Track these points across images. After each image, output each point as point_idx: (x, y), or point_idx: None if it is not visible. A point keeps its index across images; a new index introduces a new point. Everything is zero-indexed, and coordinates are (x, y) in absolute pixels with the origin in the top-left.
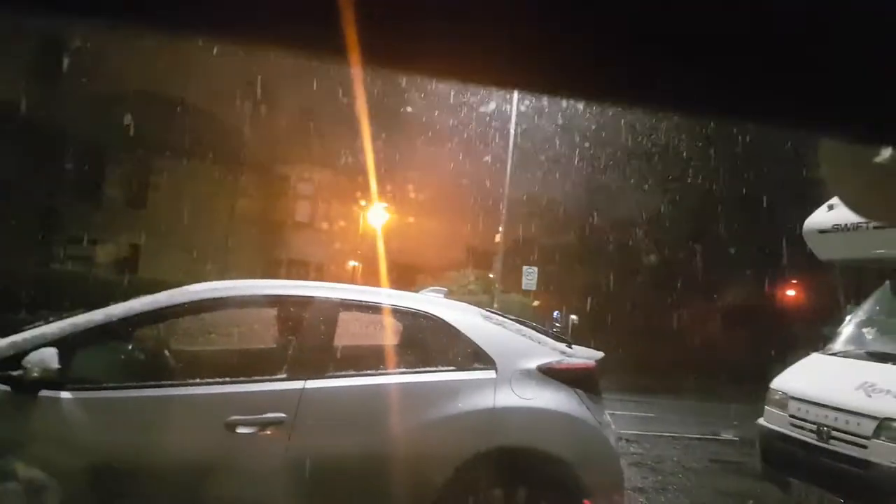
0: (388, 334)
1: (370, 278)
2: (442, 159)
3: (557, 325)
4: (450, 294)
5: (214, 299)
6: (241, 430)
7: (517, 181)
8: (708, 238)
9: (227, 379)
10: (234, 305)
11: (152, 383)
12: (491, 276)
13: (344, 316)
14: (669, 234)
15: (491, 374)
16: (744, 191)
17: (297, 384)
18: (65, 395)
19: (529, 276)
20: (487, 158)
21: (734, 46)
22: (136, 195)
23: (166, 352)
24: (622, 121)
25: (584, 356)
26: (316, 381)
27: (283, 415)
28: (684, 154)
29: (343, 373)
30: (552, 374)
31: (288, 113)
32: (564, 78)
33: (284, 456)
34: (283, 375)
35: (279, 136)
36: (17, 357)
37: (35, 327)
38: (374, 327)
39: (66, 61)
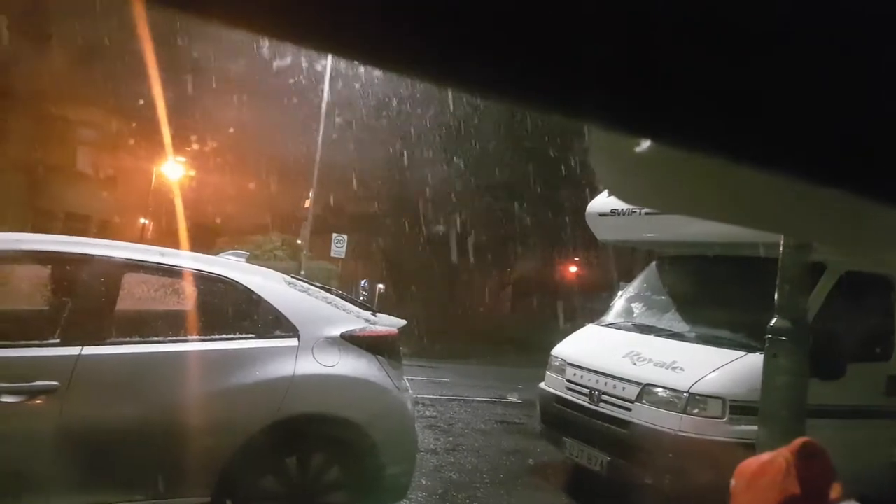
0: (181, 299)
1: (163, 238)
2: (249, 116)
3: (364, 293)
4: (253, 259)
5: None
6: (5, 398)
7: (330, 147)
8: (502, 214)
9: None
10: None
11: None
12: (299, 241)
13: (129, 278)
14: (468, 208)
15: (293, 341)
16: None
17: (72, 350)
18: None
19: (339, 244)
20: (300, 119)
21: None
22: None
23: None
24: (433, 95)
25: (387, 324)
26: (94, 347)
27: (54, 383)
28: (485, 131)
29: (127, 339)
30: (355, 342)
31: (70, 47)
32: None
33: (56, 426)
34: (56, 340)
35: (58, 71)
36: None
37: None
38: (166, 291)
39: None
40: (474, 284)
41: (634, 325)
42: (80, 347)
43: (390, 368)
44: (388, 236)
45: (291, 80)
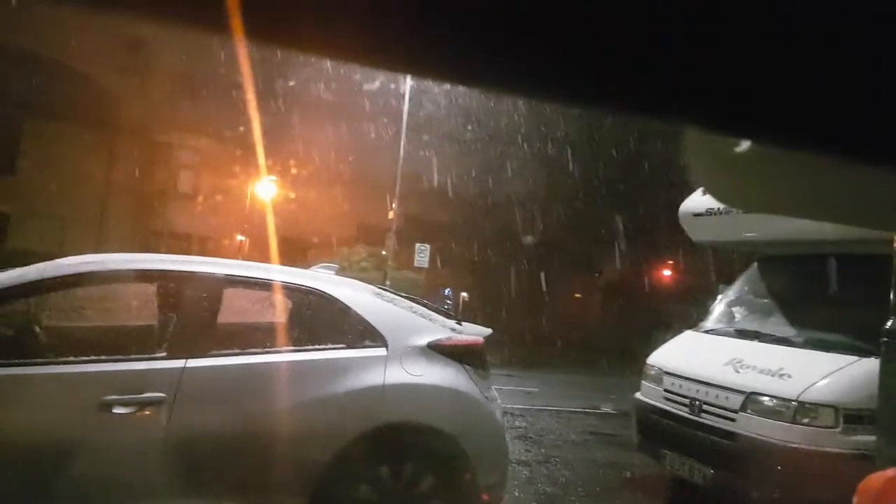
0: (276, 311)
1: (258, 254)
2: (335, 134)
3: (448, 302)
4: (341, 271)
5: (89, 273)
6: (116, 409)
7: (411, 159)
8: (590, 219)
9: (103, 357)
10: (110, 280)
11: (19, 360)
12: (383, 252)
13: (229, 292)
14: (554, 214)
15: (381, 351)
16: (623, 173)
17: (177, 363)
18: None
19: (422, 254)
20: (383, 133)
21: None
22: (4, 161)
23: (36, 328)
24: (511, 103)
25: (472, 333)
26: (198, 359)
27: (161, 394)
28: (567, 136)
29: (227, 351)
30: (441, 351)
31: (171, 78)
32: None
33: (163, 436)
34: (163, 354)
35: (161, 101)
36: None
37: None
38: (261, 304)
39: None
40: (562, 291)
41: (736, 330)
42: (184, 360)
43: (477, 378)
44: (471, 245)
45: (375, 98)
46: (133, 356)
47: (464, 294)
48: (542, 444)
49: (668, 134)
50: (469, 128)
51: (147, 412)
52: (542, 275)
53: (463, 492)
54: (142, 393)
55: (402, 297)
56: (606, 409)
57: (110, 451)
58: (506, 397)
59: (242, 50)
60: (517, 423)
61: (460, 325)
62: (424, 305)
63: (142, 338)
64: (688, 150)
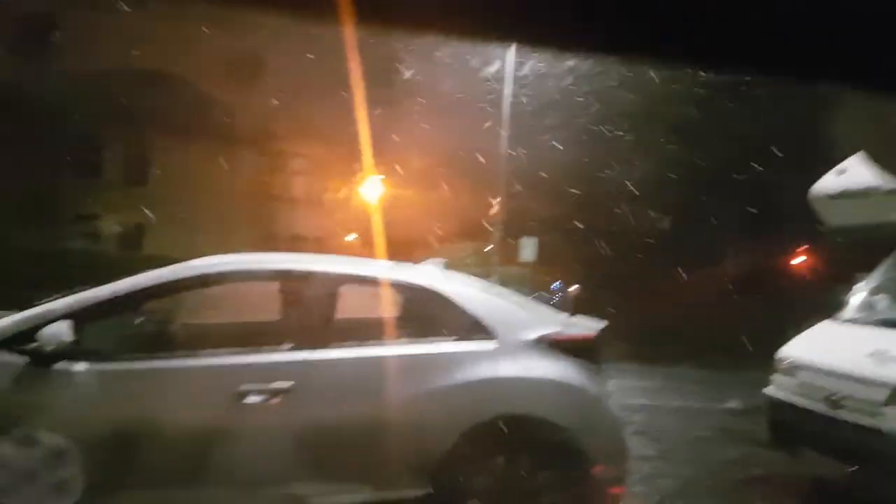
0: (389, 306)
1: (368, 252)
2: (438, 129)
3: (558, 295)
4: (448, 266)
5: (218, 273)
6: (250, 398)
7: (517, 150)
8: (711, 203)
9: (236, 349)
10: (238, 279)
11: (162, 354)
12: (489, 247)
13: (344, 289)
14: (670, 201)
15: (491, 344)
16: (747, 155)
17: (301, 354)
18: (78, 366)
19: (528, 247)
20: (486, 125)
21: None
22: (137, 173)
23: (175, 324)
24: (623, 84)
25: (584, 326)
26: (319, 351)
27: (290, 384)
28: (687, 116)
29: (345, 343)
30: (553, 345)
31: (281, 87)
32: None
33: (292, 423)
34: (288, 346)
35: (273, 110)
36: (33, 330)
37: (48, 302)
38: (375, 299)
39: (55, 40)
40: (680, 281)
41: (880, 319)
42: (308, 352)
43: (591, 372)
44: (580, 236)
45: (479, 90)
46: (262, 349)
47: (574, 287)
48: (662, 440)
49: (804, 109)
50: (578, 113)
51: (277, 400)
52: (661, 265)
53: (582, 486)
54: (272, 382)
55: (510, 291)
56: (733, 404)
57: (247, 437)
58: (623, 392)
59: (347, 55)
60: (636, 419)
61: (572, 318)
62: (533, 299)
63: (269, 331)
64: (845, 116)
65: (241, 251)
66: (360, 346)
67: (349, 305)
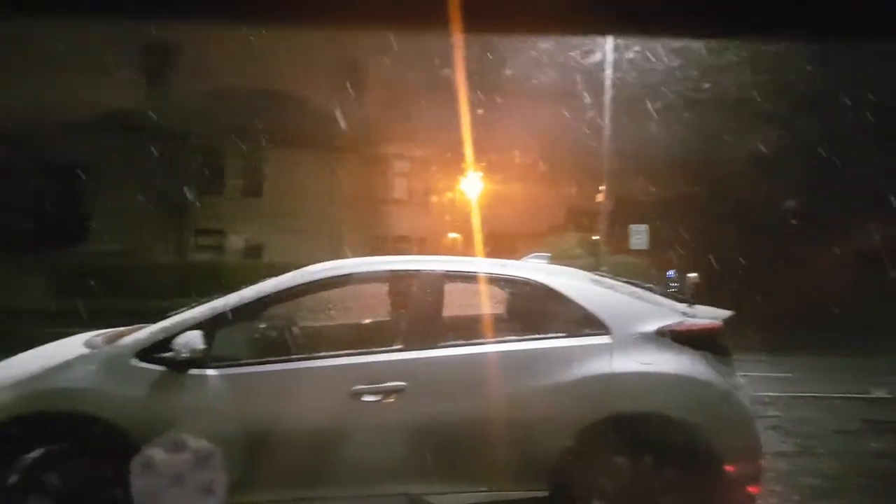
0: (495, 303)
1: (470, 249)
2: (539, 123)
3: (674, 284)
4: (553, 259)
5: (332, 278)
6: (365, 398)
7: (618, 135)
8: (836, 180)
9: (350, 351)
10: (350, 282)
11: (284, 358)
12: (596, 237)
13: (449, 287)
14: (791, 178)
15: (605, 339)
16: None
17: (412, 354)
18: (210, 372)
19: (638, 235)
20: (589, 115)
21: None
22: (254, 186)
23: (294, 328)
24: (732, 58)
25: (708, 316)
26: (429, 350)
27: (402, 383)
28: (805, 88)
29: (454, 342)
30: (673, 337)
31: (380, 93)
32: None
33: (406, 423)
34: (399, 346)
35: (374, 115)
36: (167, 340)
37: (180, 312)
38: (480, 297)
39: (174, 64)
40: (806, 264)
41: None
42: (417, 351)
43: (718, 364)
44: (694, 221)
45: (577, 77)
46: (374, 349)
47: (692, 275)
48: (799, 433)
49: None
50: (683, 92)
51: (391, 399)
52: (783, 247)
53: (712, 485)
54: (385, 382)
55: (622, 282)
56: (880, 393)
57: (363, 435)
58: (754, 384)
59: (445, 54)
60: (770, 413)
61: (693, 308)
62: (648, 290)
63: (380, 332)
64: None
65: (348, 255)
66: (470, 344)
67: (458, 304)
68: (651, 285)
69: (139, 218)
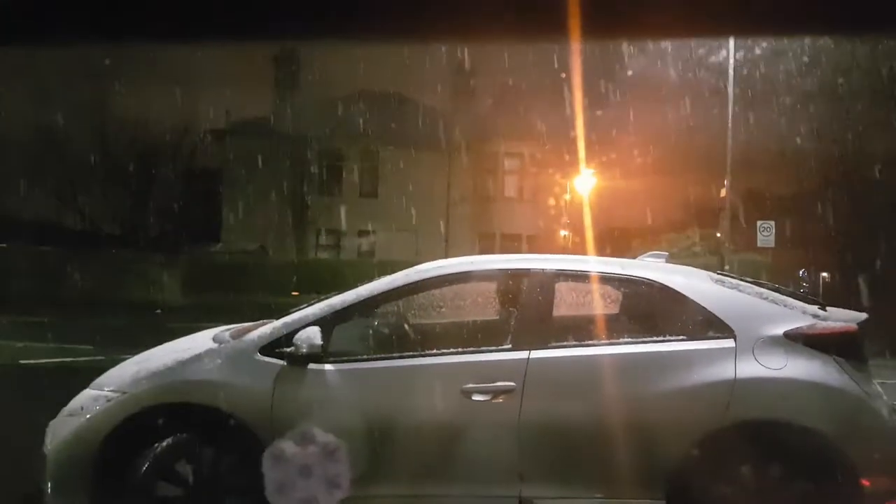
0: (609, 304)
1: (583, 247)
2: (651, 116)
3: (805, 284)
4: (672, 258)
5: (442, 276)
6: (476, 397)
7: (743, 129)
8: None
9: (460, 349)
10: (460, 281)
11: (397, 354)
12: (718, 234)
13: (561, 286)
14: None
15: (728, 342)
16: None
17: (522, 354)
18: (328, 367)
19: (766, 232)
20: (704, 108)
21: None
22: (369, 186)
23: (406, 325)
24: (865, 51)
25: (841, 319)
26: (540, 351)
27: (512, 383)
28: None
29: (566, 343)
30: (804, 341)
31: (492, 92)
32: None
33: (517, 423)
34: (509, 346)
35: (485, 114)
36: (289, 335)
37: (300, 309)
38: (593, 297)
39: (299, 74)
40: None
41: None
42: (528, 352)
43: (853, 370)
44: (827, 216)
45: (694, 70)
46: (484, 348)
47: (824, 274)
48: None
49: None
50: (812, 80)
51: (501, 400)
52: None
53: (846, 499)
54: (494, 382)
55: (747, 282)
56: None
57: (473, 434)
58: (891, 392)
59: (560, 53)
60: None
61: (825, 310)
62: (776, 290)
63: (489, 331)
64: None
65: (459, 254)
66: (580, 345)
67: (570, 304)
68: (779, 285)
69: (266, 218)
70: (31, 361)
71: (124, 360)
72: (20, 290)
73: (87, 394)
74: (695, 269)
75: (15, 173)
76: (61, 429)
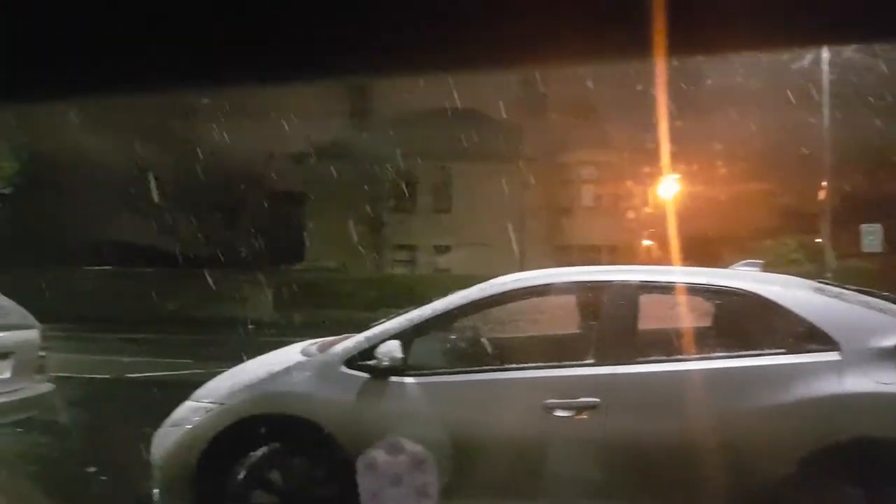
0: (698, 316)
1: (667, 257)
2: (736, 119)
3: None
4: (768, 266)
5: (519, 290)
6: (558, 412)
7: (840, 131)
8: None
9: (540, 363)
10: (538, 294)
11: (476, 368)
12: (818, 240)
13: (646, 299)
14: None
15: (832, 355)
16: None
17: (605, 369)
18: (408, 380)
19: (871, 236)
20: (795, 108)
21: None
22: (442, 202)
23: (483, 339)
24: None
25: None
26: (625, 366)
27: (596, 399)
28: None
29: (653, 358)
30: None
31: (564, 102)
32: None
33: (602, 440)
34: (591, 360)
35: (557, 125)
36: (370, 349)
37: (380, 323)
38: (681, 309)
39: (372, 98)
40: None
41: None
42: (612, 366)
43: None
44: None
45: (783, 70)
46: (565, 363)
47: None
48: None
49: None
50: None
51: (584, 416)
52: None
53: None
54: (577, 398)
55: (851, 290)
56: None
57: (556, 451)
58: None
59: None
60: None
61: None
62: (885, 298)
63: (570, 345)
64: None
65: (535, 266)
66: (668, 360)
67: (653, 317)
68: (887, 293)
69: (345, 237)
70: (137, 375)
71: (221, 373)
72: (125, 309)
73: (187, 405)
74: (793, 278)
75: (118, 202)
76: (165, 439)
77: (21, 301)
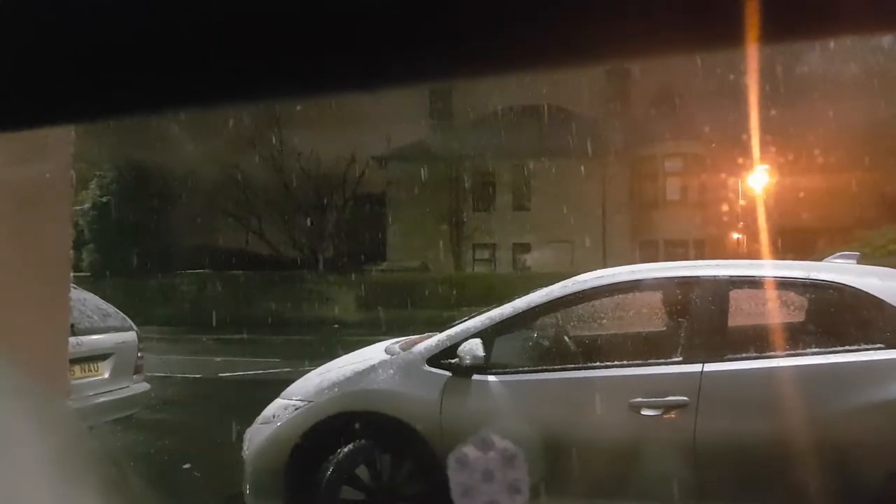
0: (791, 311)
1: (758, 250)
2: (834, 109)
3: None
4: (864, 258)
5: (602, 286)
6: (645, 411)
7: None
8: None
9: (626, 362)
10: (621, 291)
11: (559, 366)
12: None
13: (736, 294)
14: None
15: None
16: None
17: (694, 367)
18: (490, 378)
19: None
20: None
21: None
22: (522, 200)
23: (566, 337)
24: None
25: None
26: (714, 364)
27: (685, 398)
28: None
29: (745, 355)
30: None
31: (648, 94)
32: None
33: (692, 440)
34: (679, 358)
35: (641, 118)
36: (453, 347)
37: (463, 322)
38: (773, 304)
39: (451, 97)
40: None
41: None
42: (701, 364)
43: None
44: None
45: (875, 61)
46: (651, 361)
47: None
48: None
49: None
50: None
51: (673, 415)
52: None
53: None
54: (665, 396)
55: None
56: None
57: (644, 450)
58: None
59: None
60: None
61: None
62: None
63: (656, 343)
64: None
65: (619, 262)
66: (761, 357)
67: (744, 313)
68: None
69: (426, 236)
70: (229, 374)
71: (309, 371)
72: (217, 310)
73: (277, 403)
74: (891, 270)
75: (212, 209)
76: (256, 436)
77: (120, 305)
